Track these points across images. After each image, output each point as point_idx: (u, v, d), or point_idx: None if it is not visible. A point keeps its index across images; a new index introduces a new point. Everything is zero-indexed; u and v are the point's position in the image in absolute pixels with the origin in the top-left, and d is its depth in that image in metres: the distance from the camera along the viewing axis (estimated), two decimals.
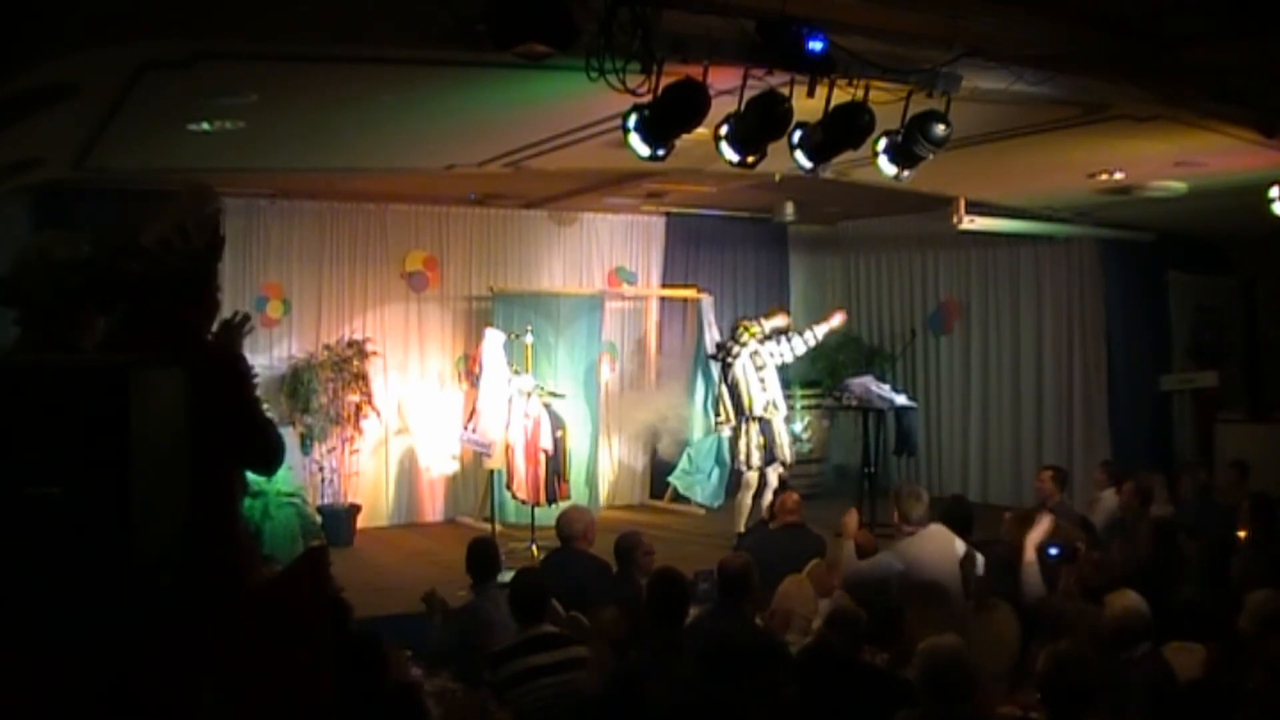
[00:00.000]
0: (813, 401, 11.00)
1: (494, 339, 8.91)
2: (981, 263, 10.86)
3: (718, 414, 8.71)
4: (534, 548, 8.25)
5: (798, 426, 10.81)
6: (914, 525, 5.35)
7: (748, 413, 8.41)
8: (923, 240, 11.02)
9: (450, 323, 10.22)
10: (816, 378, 11.25)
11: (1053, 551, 5.16)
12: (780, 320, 8.81)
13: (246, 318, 2.81)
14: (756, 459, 8.37)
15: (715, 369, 9.06)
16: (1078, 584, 4.92)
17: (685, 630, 4.31)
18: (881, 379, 9.63)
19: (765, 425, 8.46)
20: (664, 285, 11.06)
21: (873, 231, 11.48)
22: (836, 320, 8.93)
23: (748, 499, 8.31)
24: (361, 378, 9.27)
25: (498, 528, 8.47)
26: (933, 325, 11.29)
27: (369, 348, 9.45)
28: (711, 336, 10.14)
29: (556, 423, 8.83)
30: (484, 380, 8.81)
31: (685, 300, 10.93)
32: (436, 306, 10.16)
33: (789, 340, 8.73)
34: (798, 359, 8.94)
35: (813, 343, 8.85)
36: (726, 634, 4.33)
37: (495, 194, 9.62)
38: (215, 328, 2.78)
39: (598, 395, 10.25)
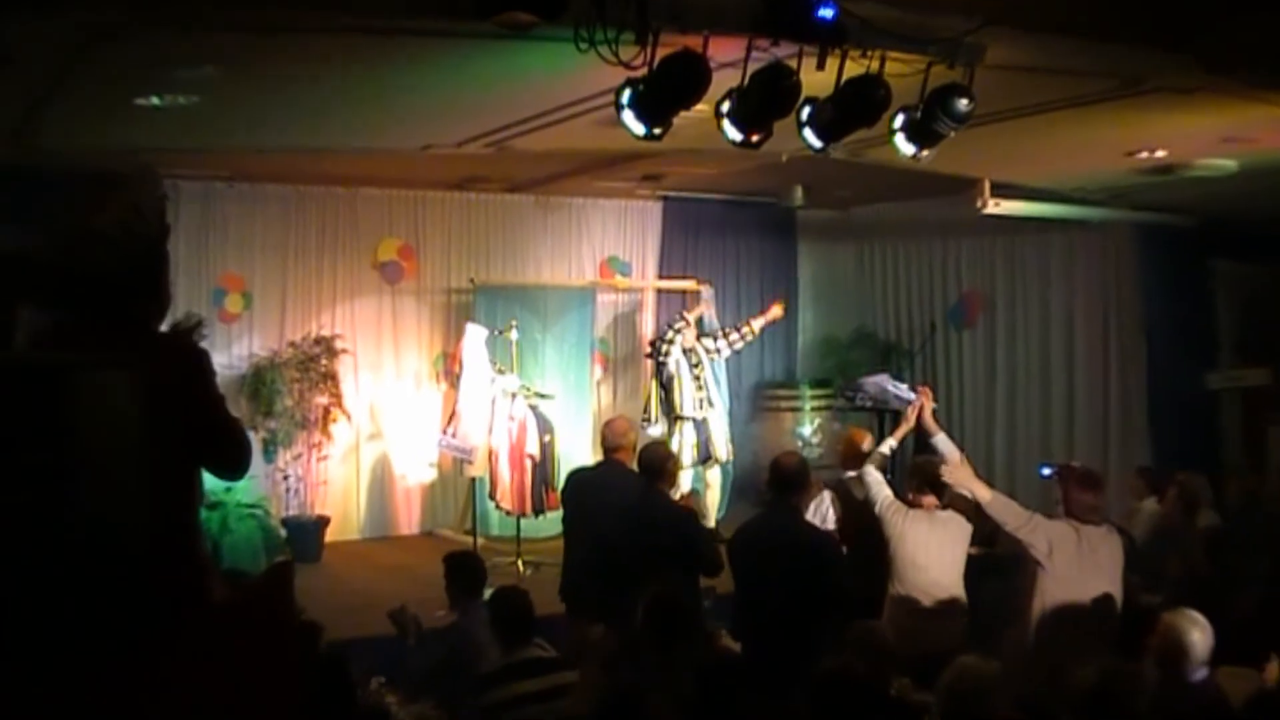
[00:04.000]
0: (822, 402, 11.02)
1: (475, 335, 8.90)
2: (1007, 250, 10.85)
3: (645, 412, 9.08)
4: (520, 563, 8.28)
5: (805, 430, 10.88)
6: (926, 499, 5.34)
7: (678, 412, 8.78)
8: (943, 226, 11.01)
9: (427, 317, 10.25)
10: (826, 376, 11.35)
11: (1045, 472, 5.20)
12: (704, 311, 9.34)
13: (200, 323, 2.79)
14: (688, 458, 8.70)
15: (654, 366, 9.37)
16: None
17: (739, 530, 5.21)
18: (898, 377, 9.38)
19: (699, 425, 8.85)
20: (661, 276, 11.10)
21: (888, 217, 11.44)
22: (774, 312, 9.35)
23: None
24: (330, 378, 9.28)
25: (480, 541, 8.49)
26: (954, 319, 11.28)
27: (338, 345, 9.46)
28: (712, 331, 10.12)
29: (544, 426, 8.82)
30: (465, 380, 8.81)
31: (684, 293, 10.90)
32: (412, 300, 10.19)
33: (725, 336, 9.23)
34: (736, 354, 9.45)
35: (750, 338, 9.33)
36: (778, 528, 5.11)
37: (476, 177, 9.62)
38: (164, 329, 2.77)
39: (589, 396, 10.29)
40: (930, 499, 5.32)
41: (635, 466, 5.70)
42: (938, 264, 11.45)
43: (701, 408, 8.92)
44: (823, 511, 5.99)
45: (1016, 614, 5.08)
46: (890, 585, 5.30)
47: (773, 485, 5.28)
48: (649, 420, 9.08)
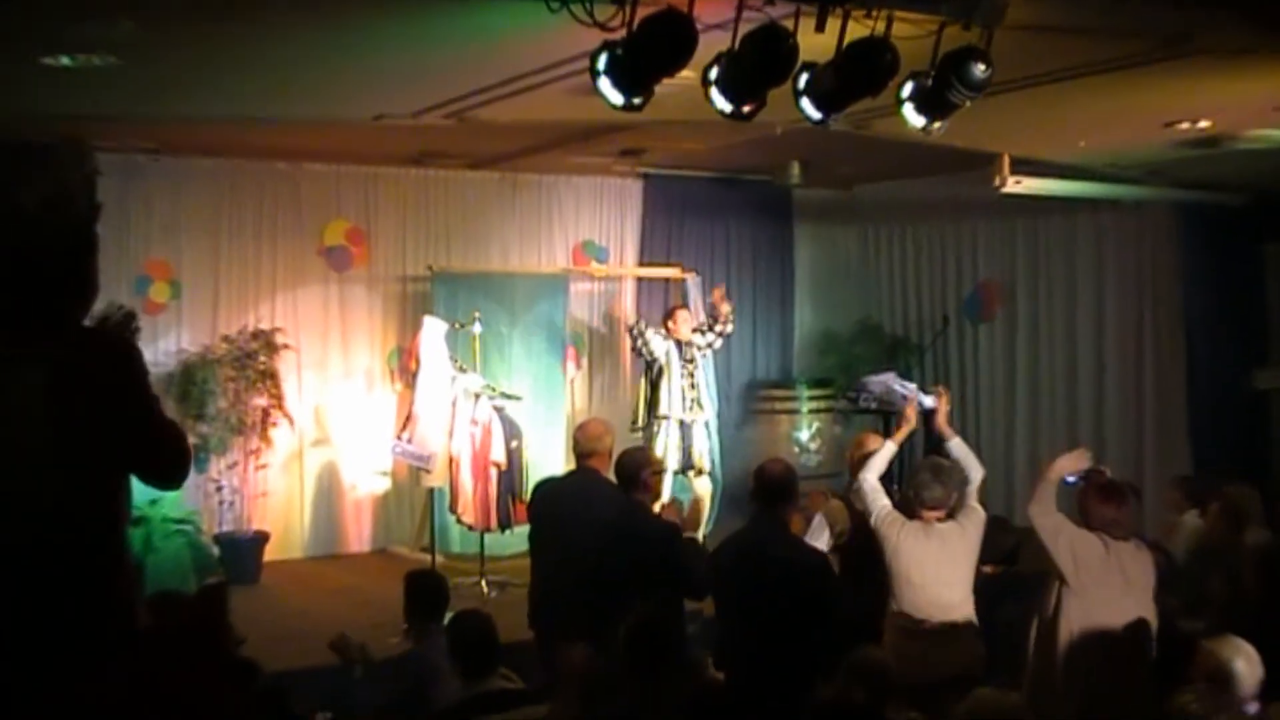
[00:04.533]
0: (822, 404, 11.09)
1: (434, 329, 8.88)
2: (1030, 234, 10.89)
3: (633, 415, 9.17)
4: (484, 584, 8.28)
5: (803, 434, 10.92)
6: (929, 508, 5.30)
7: (662, 411, 8.93)
8: (957, 207, 11.04)
9: (380, 309, 10.25)
10: (826, 375, 11.40)
11: (1070, 479, 5.20)
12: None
13: (131, 315, 2.77)
14: (673, 461, 8.83)
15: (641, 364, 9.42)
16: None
17: (721, 545, 5.14)
18: (906, 376, 9.50)
19: (685, 429, 8.98)
20: (642, 263, 11.13)
21: (896, 197, 11.50)
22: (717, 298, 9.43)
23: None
24: (270, 377, 9.25)
25: (439, 559, 8.48)
26: (969, 311, 11.34)
27: (279, 340, 9.43)
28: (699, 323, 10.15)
29: (511, 431, 8.81)
30: (422, 379, 8.77)
31: (668, 281, 10.93)
32: (363, 289, 10.19)
33: (711, 327, 9.33)
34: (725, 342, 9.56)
35: (731, 322, 9.45)
36: (760, 545, 5.08)
37: (435, 152, 9.61)
38: (89, 323, 2.76)
39: (562, 397, 10.31)
40: (931, 510, 5.30)
41: (612, 475, 5.73)
42: (951, 250, 11.49)
43: (690, 409, 9.05)
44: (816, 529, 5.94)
45: (1039, 639, 5.07)
46: (889, 605, 5.31)
47: (756, 496, 5.23)
48: (637, 424, 9.13)
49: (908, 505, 5.41)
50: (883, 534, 5.29)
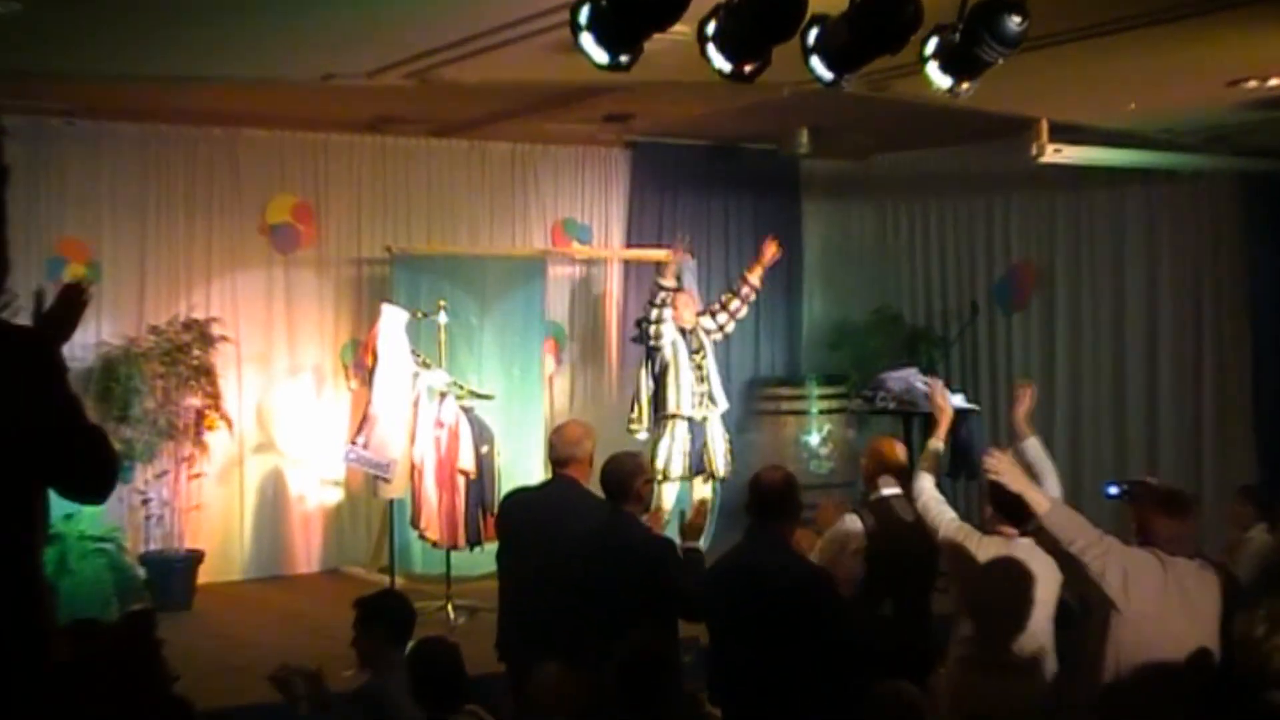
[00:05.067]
0: (834, 404, 11.10)
1: (393, 319, 8.85)
2: (1071, 210, 10.86)
3: (632, 414, 9.18)
4: (450, 608, 8.31)
5: (814, 438, 10.95)
6: (1011, 523, 5.27)
7: (672, 409, 8.95)
8: (988, 181, 11.03)
9: (332, 296, 10.30)
10: (839, 371, 11.37)
11: (1111, 491, 5.21)
12: (678, 263, 9.39)
13: (78, 289, 2.74)
14: (678, 466, 8.90)
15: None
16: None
17: (713, 565, 5.17)
18: (930, 372, 9.68)
19: (696, 427, 8.99)
20: (629, 244, 11.18)
21: (918, 169, 11.51)
22: (770, 252, 9.43)
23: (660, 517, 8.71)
24: (204, 373, 9.25)
25: (399, 581, 8.52)
26: (1000, 298, 11.31)
27: (215, 331, 9.42)
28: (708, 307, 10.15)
29: (481, 434, 8.79)
30: (379, 376, 8.73)
31: (659, 265, 10.76)
32: (312, 274, 10.23)
33: (725, 306, 9.35)
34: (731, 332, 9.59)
35: (752, 298, 9.46)
36: (755, 563, 5.04)
37: (394, 117, 9.66)
38: (36, 305, 2.79)
39: (539, 396, 10.36)
40: (1008, 525, 5.26)
41: (593, 484, 5.72)
42: (980, 229, 11.46)
43: (702, 404, 9.05)
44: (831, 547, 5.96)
45: (1084, 671, 5.03)
46: (954, 632, 5.29)
47: (752, 508, 5.24)
48: (639, 425, 9.16)
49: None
50: (956, 550, 5.28)
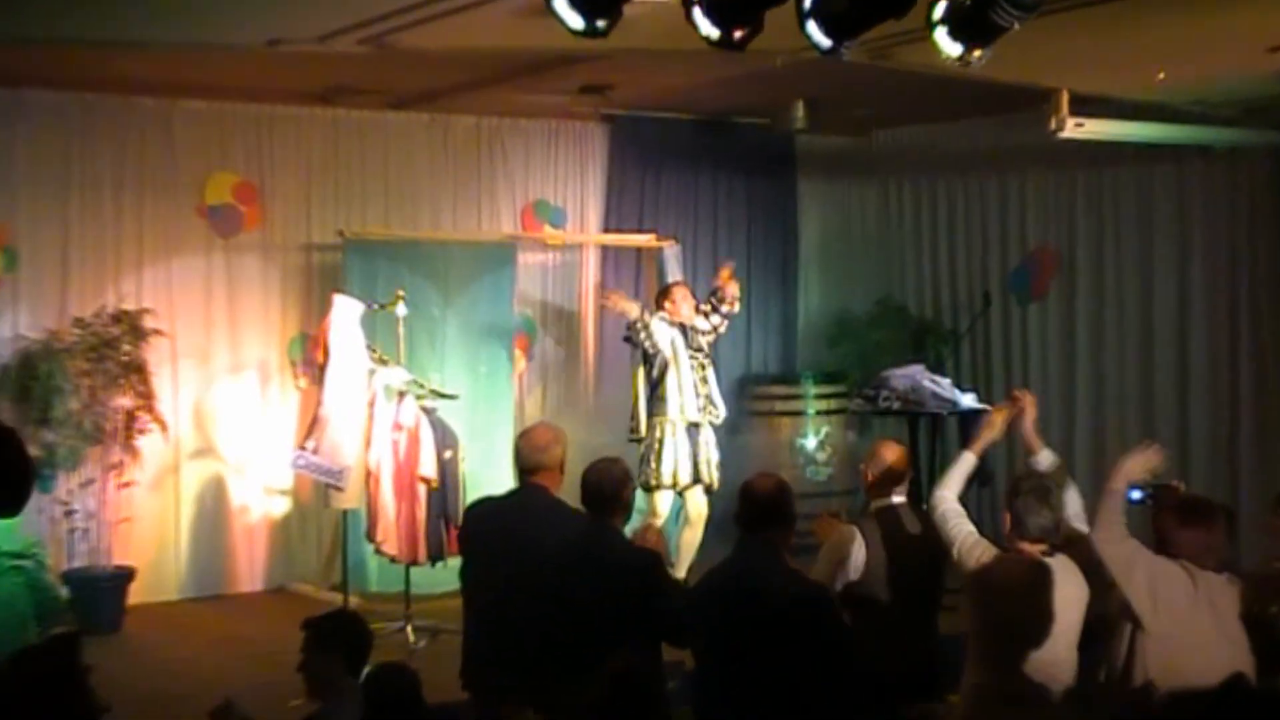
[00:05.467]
0: (833, 404, 11.15)
1: (346, 311, 8.84)
2: (1094, 190, 10.88)
3: (632, 425, 9.31)
4: (410, 630, 8.34)
5: (810, 441, 10.99)
6: (1034, 540, 5.24)
7: (676, 414, 9.12)
8: (1002, 158, 11.08)
9: (278, 286, 10.29)
10: (838, 368, 11.45)
11: (1135, 496, 5.24)
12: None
13: None
14: (686, 474, 9.08)
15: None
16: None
17: (700, 581, 5.19)
18: (938, 369, 9.73)
19: (693, 434, 9.16)
20: (608, 228, 11.23)
21: (925, 145, 11.56)
22: (729, 292, 9.54)
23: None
24: (136, 371, 9.21)
25: (354, 600, 8.56)
26: (1016, 287, 11.34)
27: (148, 324, 9.38)
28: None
29: (444, 438, 8.80)
30: (331, 374, 8.74)
31: (640, 251, 11.05)
32: (256, 260, 10.22)
33: (715, 308, 9.51)
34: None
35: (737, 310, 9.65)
36: (745, 579, 5.06)
37: (347, 87, 9.63)
38: None
39: (508, 396, 10.38)
40: (1035, 542, 5.23)
41: (563, 492, 5.74)
42: (994, 211, 11.48)
43: (705, 409, 9.22)
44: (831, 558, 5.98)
45: (1107, 695, 5.07)
46: (967, 659, 5.29)
47: (742, 518, 5.25)
48: (637, 432, 9.26)
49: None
50: (973, 568, 5.29)
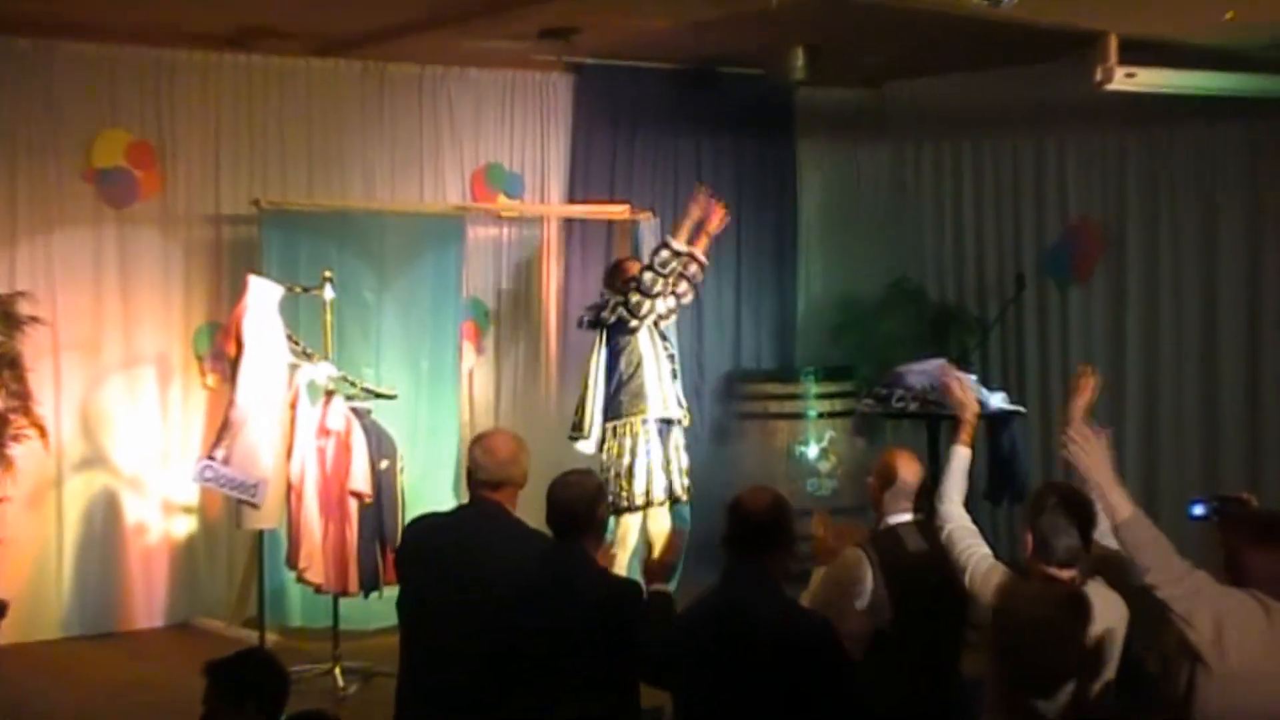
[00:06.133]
0: (838, 405, 11.10)
1: (263, 295, 8.77)
2: (1146, 152, 10.96)
3: (577, 423, 9.23)
4: (338, 673, 8.37)
5: (810, 449, 10.97)
6: (1061, 565, 5.22)
7: (654, 410, 9.08)
8: (1038, 115, 11.12)
9: (181, 265, 10.23)
10: (844, 362, 11.46)
11: (1197, 511, 5.21)
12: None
13: None
14: (661, 488, 9.07)
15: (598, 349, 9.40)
16: None
17: (682, 614, 5.27)
18: (964, 364, 9.62)
19: (664, 435, 9.18)
20: (573, 199, 11.26)
21: (947, 100, 11.63)
22: (714, 220, 9.31)
23: (624, 556, 8.80)
24: (10, 365, 9.15)
25: (271, 637, 8.60)
26: (1054, 268, 11.38)
27: (24, 310, 9.28)
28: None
29: (380, 445, 8.75)
30: (245, 371, 8.66)
31: (610, 223, 11.05)
32: (155, 235, 10.16)
33: (674, 286, 9.32)
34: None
35: (701, 279, 9.47)
36: (736, 611, 5.06)
37: (262, 29, 9.66)
38: None
39: (455, 396, 10.42)
40: (1063, 567, 5.19)
41: (523, 511, 5.77)
42: (1028, 177, 11.52)
43: (681, 406, 9.28)
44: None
45: None
46: (987, 703, 5.32)
47: (732, 540, 5.25)
48: (581, 434, 9.12)
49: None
50: (990, 597, 5.28)
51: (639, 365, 9.04)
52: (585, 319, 9.46)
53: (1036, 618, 5.19)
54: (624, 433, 8.99)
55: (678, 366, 9.35)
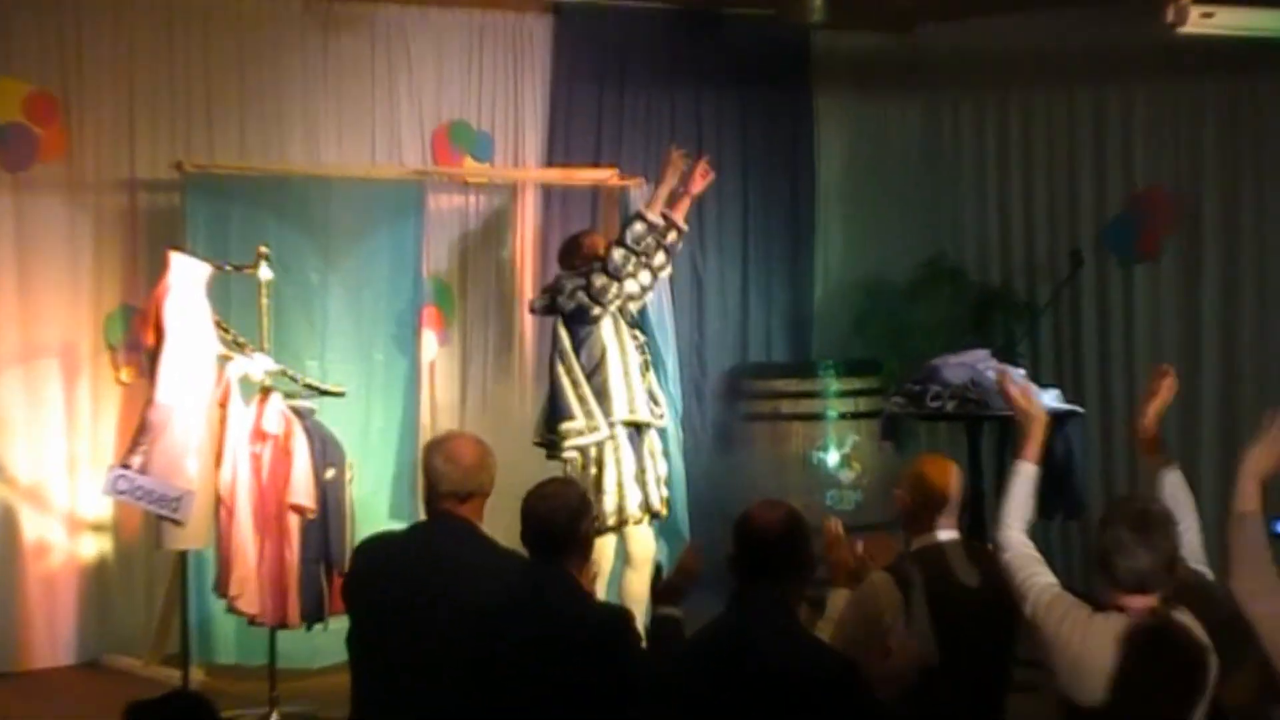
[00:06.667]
0: (862, 405, 11.17)
1: (188, 275, 8.74)
2: (1227, 109, 10.97)
3: (563, 423, 9.23)
4: (276, 717, 8.43)
5: (831, 456, 11.01)
6: (1126, 590, 5.16)
7: (628, 414, 9.18)
8: (1099, 63, 11.19)
9: (90, 240, 10.24)
10: (869, 354, 11.54)
11: None
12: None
13: None
14: (636, 502, 9.16)
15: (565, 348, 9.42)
16: None
17: (684, 651, 5.38)
18: (1010, 357, 9.72)
19: (636, 442, 9.28)
20: (552, 162, 11.32)
21: (990, 45, 11.66)
22: (699, 181, 9.56)
23: (600, 586, 8.79)
24: None
25: (198, 676, 8.70)
26: (1117, 243, 11.42)
27: None
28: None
29: (326, 451, 8.75)
30: (167, 363, 8.61)
31: (595, 191, 11.08)
32: (59, 203, 10.18)
33: (642, 257, 9.46)
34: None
35: (680, 248, 9.66)
36: (745, 646, 5.10)
37: None
38: None
39: (413, 393, 10.41)
40: (1130, 593, 5.15)
41: (491, 527, 5.83)
42: (1087, 137, 11.55)
43: (655, 405, 9.33)
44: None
45: None
46: None
47: (738, 564, 5.30)
48: (544, 441, 9.28)
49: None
50: (1053, 637, 5.22)
51: (602, 359, 9.07)
52: (537, 304, 9.53)
53: (1115, 663, 5.11)
54: (587, 431, 9.03)
55: (650, 358, 9.40)
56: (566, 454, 9.11)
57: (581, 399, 9.10)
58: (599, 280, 8.93)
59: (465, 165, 11.01)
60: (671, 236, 9.35)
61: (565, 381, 9.16)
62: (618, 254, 8.94)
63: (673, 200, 9.34)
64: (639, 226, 9.04)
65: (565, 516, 5.50)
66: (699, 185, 9.41)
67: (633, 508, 9.03)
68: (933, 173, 12.19)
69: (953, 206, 12.03)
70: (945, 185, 12.09)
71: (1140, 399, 5.84)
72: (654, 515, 9.30)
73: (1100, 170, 11.42)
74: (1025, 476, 5.63)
